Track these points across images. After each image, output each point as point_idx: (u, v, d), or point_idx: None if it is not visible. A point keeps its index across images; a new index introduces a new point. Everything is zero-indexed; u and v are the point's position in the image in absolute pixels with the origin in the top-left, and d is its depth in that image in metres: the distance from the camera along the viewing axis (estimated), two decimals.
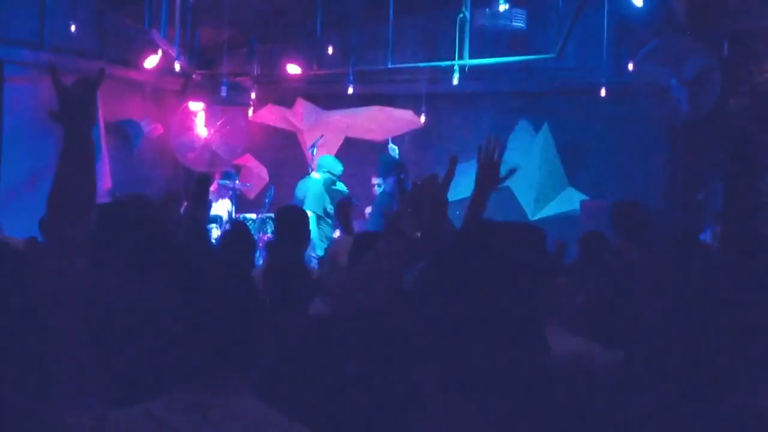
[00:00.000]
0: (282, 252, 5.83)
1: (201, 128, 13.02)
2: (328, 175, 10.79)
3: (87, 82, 2.65)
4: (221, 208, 11.61)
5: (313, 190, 10.59)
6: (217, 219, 11.02)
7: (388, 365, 2.53)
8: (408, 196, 2.78)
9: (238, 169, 12.93)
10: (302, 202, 10.39)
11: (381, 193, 10.34)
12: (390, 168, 10.09)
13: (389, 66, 11.96)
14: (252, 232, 8.22)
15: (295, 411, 2.38)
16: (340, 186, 10.78)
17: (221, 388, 2.35)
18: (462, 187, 4.56)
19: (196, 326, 2.37)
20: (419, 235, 2.68)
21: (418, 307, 2.25)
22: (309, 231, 6.33)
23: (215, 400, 2.33)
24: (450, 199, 2.85)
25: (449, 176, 2.82)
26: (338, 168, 10.87)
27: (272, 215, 10.84)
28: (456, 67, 11.31)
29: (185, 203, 5.54)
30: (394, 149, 11.36)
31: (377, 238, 2.78)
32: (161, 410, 2.32)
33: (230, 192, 11.79)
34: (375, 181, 10.96)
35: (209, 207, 4.18)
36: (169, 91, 13.28)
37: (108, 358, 2.69)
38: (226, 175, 12.05)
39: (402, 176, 9.84)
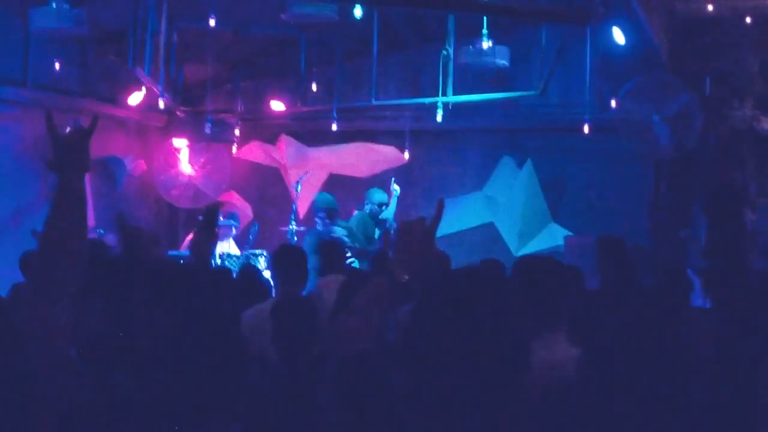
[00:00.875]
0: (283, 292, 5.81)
1: (185, 165, 13.00)
2: (370, 206, 10.94)
3: (81, 132, 2.72)
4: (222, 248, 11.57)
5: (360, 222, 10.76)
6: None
7: (378, 408, 2.53)
8: (396, 239, 2.79)
9: (222, 206, 12.90)
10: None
11: (311, 231, 10.41)
12: (316, 208, 10.25)
13: (373, 103, 12.02)
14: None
15: None
16: (387, 214, 10.92)
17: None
18: (447, 222, 4.59)
19: (188, 370, 2.36)
20: (407, 277, 2.69)
21: (407, 349, 2.25)
22: (306, 270, 6.27)
23: None
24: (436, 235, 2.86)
25: (437, 219, 2.82)
26: (377, 197, 10.97)
27: (256, 252, 10.83)
28: (439, 104, 11.37)
29: (192, 235, 5.50)
30: (396, 190, 11.45)
31: (365, 281, 2.79)
32: None
33: (231, 232, 11.79)
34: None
35: (216, 241, 4.17)
36: (153, 128, 13.27)
37: (98, 401, 2.67)
38: (230, 215, 12.00)
39: (326, 219, 9.97)
